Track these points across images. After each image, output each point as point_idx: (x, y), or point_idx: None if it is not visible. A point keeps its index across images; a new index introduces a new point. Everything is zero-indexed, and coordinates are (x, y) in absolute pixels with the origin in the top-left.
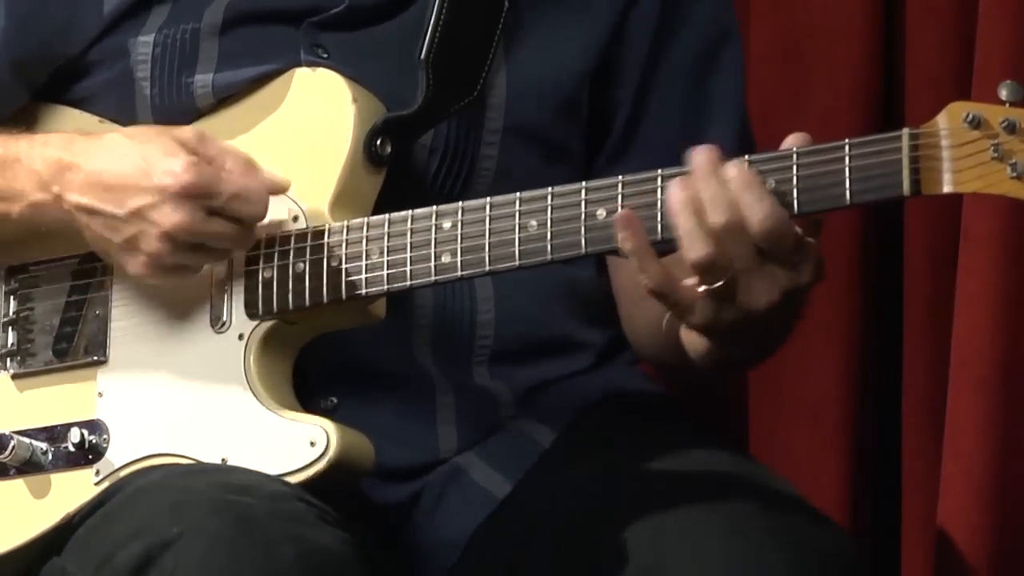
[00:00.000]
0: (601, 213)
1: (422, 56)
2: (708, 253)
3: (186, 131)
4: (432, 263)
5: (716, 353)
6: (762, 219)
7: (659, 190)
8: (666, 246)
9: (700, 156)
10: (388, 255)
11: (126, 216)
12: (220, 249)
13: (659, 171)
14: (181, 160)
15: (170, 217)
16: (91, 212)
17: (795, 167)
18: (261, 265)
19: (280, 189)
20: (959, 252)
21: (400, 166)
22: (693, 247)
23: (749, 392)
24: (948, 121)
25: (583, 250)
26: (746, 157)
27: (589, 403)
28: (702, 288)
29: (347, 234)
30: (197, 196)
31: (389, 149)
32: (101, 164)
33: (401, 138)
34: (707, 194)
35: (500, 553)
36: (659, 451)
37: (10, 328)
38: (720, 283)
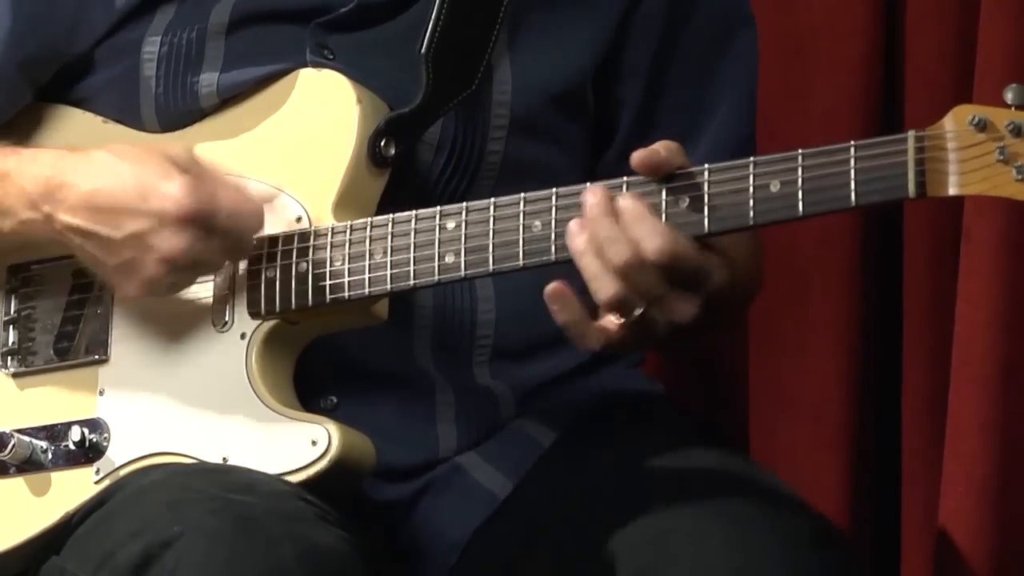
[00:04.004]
0: None
1: (422, 51)
2: (616, 292)
3: (177, 150)
4: (436, 263)
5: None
6: (659, 250)
7: (663, 191)
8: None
9: (591, 197)
10: (392, 255)
11: (123, 239)
12: (217, 263)
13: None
14: (178, 183)
15: (170, 242)
16: (85, 234)
17: (800, 169)
18: (264, 265)
19: (269, 197)
20: (960, 252)
21: (405, 164)
22: (601, 289)
23: (749, 392)
24: (954, 123)
25: None
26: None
27: (590, 403)
28: (621, 322)
29: (351, 234)
30: (196, 219)
31: (393, 150)
32: (93, 184)
33: (405, 137)
34: (604, 233)
35: (501, 554)
36: (659, 452)
37: (11, 327)
38: (637, 313)
